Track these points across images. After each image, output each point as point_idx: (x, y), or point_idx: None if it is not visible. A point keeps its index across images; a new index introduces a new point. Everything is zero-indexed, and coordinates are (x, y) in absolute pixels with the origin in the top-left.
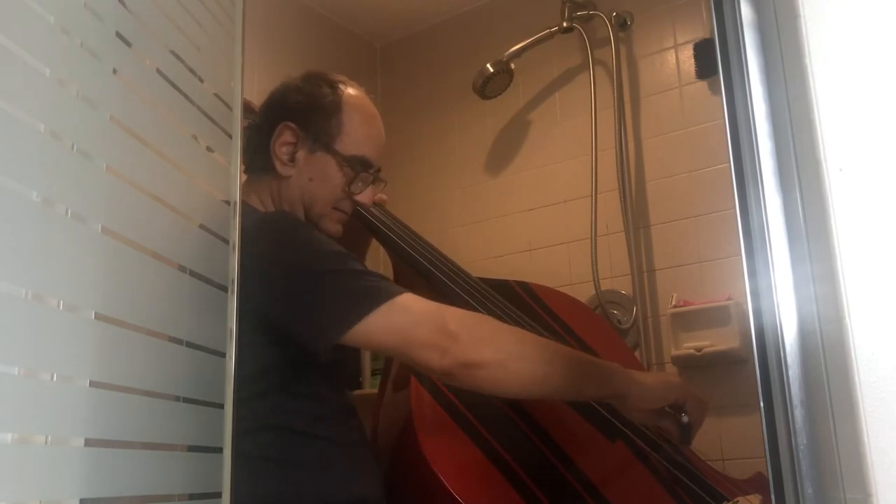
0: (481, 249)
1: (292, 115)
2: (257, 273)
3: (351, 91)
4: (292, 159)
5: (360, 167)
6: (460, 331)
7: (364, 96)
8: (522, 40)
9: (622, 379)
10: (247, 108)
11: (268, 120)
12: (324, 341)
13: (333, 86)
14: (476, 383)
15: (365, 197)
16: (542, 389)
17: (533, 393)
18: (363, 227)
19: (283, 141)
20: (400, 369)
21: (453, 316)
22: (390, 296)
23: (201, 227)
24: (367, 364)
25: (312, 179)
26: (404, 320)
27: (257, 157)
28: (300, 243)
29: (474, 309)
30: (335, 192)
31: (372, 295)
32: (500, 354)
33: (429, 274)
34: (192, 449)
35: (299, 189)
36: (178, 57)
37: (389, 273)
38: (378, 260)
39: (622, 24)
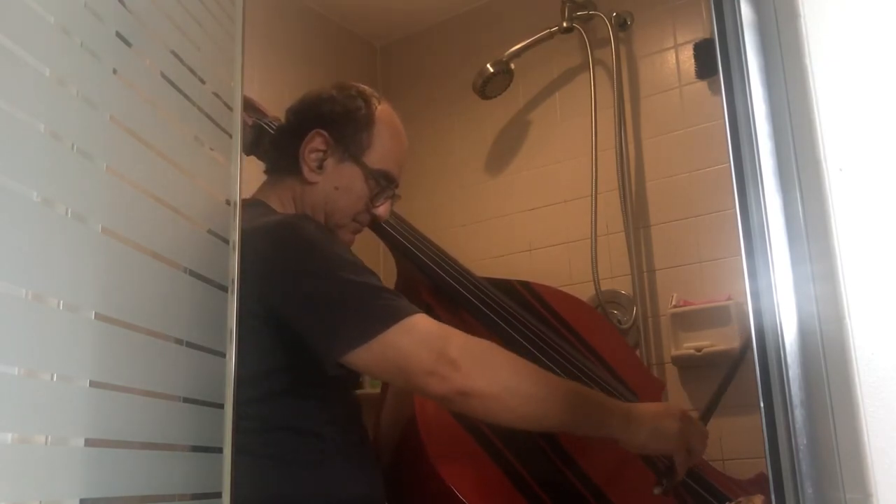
0: (481, 249)
1: (325, 123)
2: (275, 274)
3: (382, 107)
4: (321, 166)
5: (384, 182)
6: (461, 358)
7: (393, 112)
8: (522, 40)
9: (618, 423)
10: (248, 105)
11: (298, 124)
12: (331, 355)
13: (367, 99)
14: (472, 411)
15: (382, 211)
16: (536, 425)
17: (527, 427)
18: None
19: (314, 147)
20: None
21: (456, 341)
22: (399, 318)
23: (209, 232)
24: None
25: (338, 188)
26: (407, 343)
27: (283, 159)
28: (324, 250)
29: (475, 307)
30: (358, 203)
31: (383, 316)
32: (496, 387)
33: (431, 273)
34: (192, 449)
35: (324, 196)
36: (178, 57)
37: (391, 272)
38: (378, 257)
39: (622, 24)
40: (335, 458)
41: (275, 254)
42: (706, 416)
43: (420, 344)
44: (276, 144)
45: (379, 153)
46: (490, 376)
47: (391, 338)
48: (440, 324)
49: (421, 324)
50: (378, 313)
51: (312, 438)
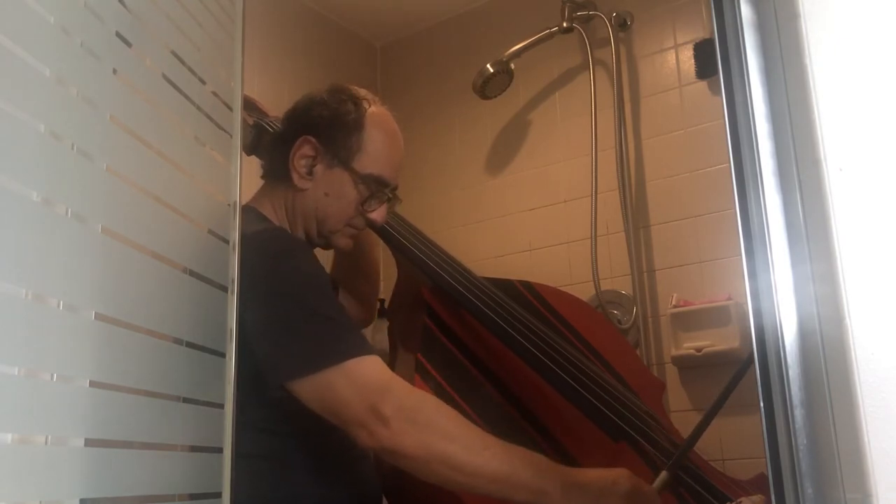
0: (481, 249)
1: (314, 128)
2: (244, 285)
3: (374, 109)
4: (310, 173)
5: (375, 186)
6: (394, 416)
7: (387, 114)
8: (522, 40)
9: (557, 495)
10: (248, 104)
11: (290, 130)
12: (271, 379)
13: (357, 103)
14: (401, 467)
15: (378, 215)
16: (463, 490)
17: (455, 490)
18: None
19: (303, 154)
20: (402, 369)
21: (394, 398)
22: (342, 358)
23: (210, 232)
24: None
25: (328, 195)
26: (344, 388)
27: (276, 166)
28: (290, 271)
29: (475, 307)
30: (349, 209)
31: (326, 353)
32: (424, 453)
33: (431, 272)
34: (192, 449)
35: (314, 203)
36: (178, 57)
37: (391, 272)
38: (378, 257)
39: (622, 25)
40: (330, 459)
41: (247, 265)
42: (699, 430)
43: (356, 392)
44: (270, 150)
45: (370, 157)
46: (420, 440)
47: (329, 378)
48: (385, 373)
49: (365, 370)
50: (323, 349)
51: (305, 440)
